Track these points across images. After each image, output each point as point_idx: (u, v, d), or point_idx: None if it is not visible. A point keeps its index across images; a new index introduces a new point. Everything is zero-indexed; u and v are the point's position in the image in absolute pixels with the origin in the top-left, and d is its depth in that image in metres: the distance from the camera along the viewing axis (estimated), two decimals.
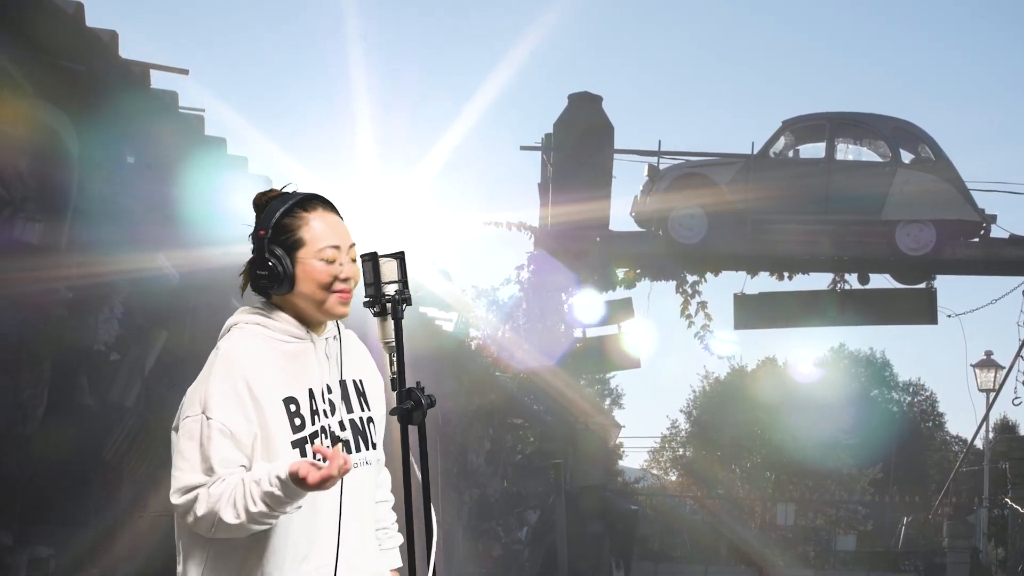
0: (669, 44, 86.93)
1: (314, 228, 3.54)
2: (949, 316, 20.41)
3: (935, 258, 19.18)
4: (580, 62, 72.12)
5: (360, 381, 3.73)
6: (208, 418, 3.35)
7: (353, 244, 3.61)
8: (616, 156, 19.98)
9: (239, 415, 3.37)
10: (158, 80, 8.08)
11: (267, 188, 3.72)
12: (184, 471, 3.35)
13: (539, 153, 20.22)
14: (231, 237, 3.61)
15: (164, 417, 9.25)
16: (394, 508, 3.74)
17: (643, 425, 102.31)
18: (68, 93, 6.95)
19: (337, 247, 3.54)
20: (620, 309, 19.85)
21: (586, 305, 19.10)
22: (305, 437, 3.45)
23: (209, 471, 3.32)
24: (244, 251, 3.60)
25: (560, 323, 19.58)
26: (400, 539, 3.89)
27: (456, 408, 16.01)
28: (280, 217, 3.53)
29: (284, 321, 3.58)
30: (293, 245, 3.51)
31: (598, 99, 20.04)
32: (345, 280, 3.55)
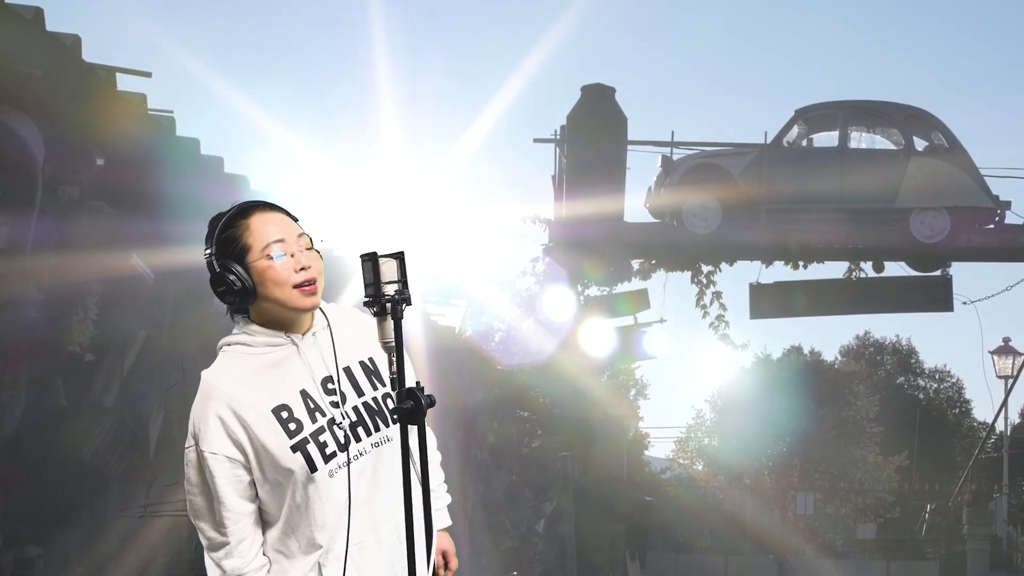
0: (681, 35, 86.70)
1: (254, 230, 3.57)
2: (965, 303, 20.32)
3: (950, 245, 19.02)
4: (592, 54, 71.88)
5: (370, 360, 3.77)
6: (201, 451, 3.48)
7: (302, 234, 3.64)
8: (630, 147, 19.82)
9: (228, 442, 3.48)
10: (143, 85, 8.17)
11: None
12: (195, 495, 3.56)
13: (552, 146, 20.16)
14: (204, 235, 3.65)
15: (144, 417, 9.37)
16: (394, 508, 3.73)
17: (669, 415, 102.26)
18: (32, 97, 7.00)
19: (281, 240, 3.58)
20: (635, 300, 19.83)
21: (559, 302, 19.01)
22: (306, 438, 3.51)
23: (216, 495, 3.49)
24: None
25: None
26: (448, 499, 4.07)
27: (456, 404, 16.00)
28: (221, 232, 3.59)
29: (263, 333, 3.63)
30: (241, 254, 3.56)
31: (611, 91, 19.89)
32: (302, 270, 3.58)
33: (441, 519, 4.00)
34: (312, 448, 3.50)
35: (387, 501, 3.63)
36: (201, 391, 3.54)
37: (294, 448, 3.49)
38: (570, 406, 20.11)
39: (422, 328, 14.41)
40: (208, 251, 3.58)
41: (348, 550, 3.52)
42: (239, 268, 3.53)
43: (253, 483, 3.53)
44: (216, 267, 3.55)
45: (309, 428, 3.52)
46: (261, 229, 3.57)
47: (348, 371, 3.69)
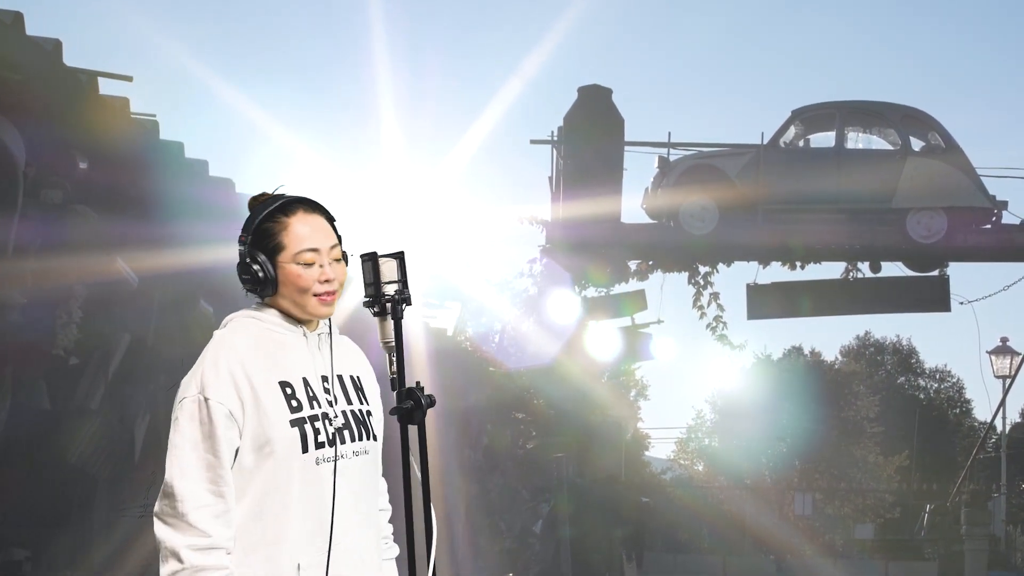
0: (678, 36, 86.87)
1: (293, 232, 3.55)
2: (962, 303, 20.30)
3: (947, 246, 19.06)
4: (590, 55, 71.92)
5: (357, 377, 3.75)
6: (206, 398, 3.38)
7: (336, 244, 3.62)
8: (627, 148, 19.88)
9: (234, 395, 3.40)
10: (127, 89, 8.15)
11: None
12: (185, 450, 3.37)
13: (549, 147, 20.16)
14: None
15: (129, 420, 9.38)
16: (362, 522, 3.71)
17: (670, 416, 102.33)
18: (14, 101, 6.99)
19: (316, 250, 3.55)
20: (633, 301, 19.86)
21: (562, 305, 19.06)
22: (304, 418, 3.47)
23: (212, 450, 3.35)
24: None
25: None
26: (396, 550, 3.91)
27: (451, 406, 15.99)
28: (261, 222, 3.57)
29: (275, 315, 3.60)
30: (274, 249, 3.54)
31: (608, 91, 19.91)
32: (325, 282, 3.56)
33: (388, 570, 3.90)
34: (308, 428, 3.47)
35: (355, 512, 3.60)
36: (213, 345, 3.50)
37: (292, 423, 3.44)
38: (569, 408, 20.11)
39: (419, 330, 14.43)
40: (243, 236, 3.57)
41: (331, 552, 3.47)
42: (266, 261, 3.52)
43: (236, 452, 3.41)
44: (246, 255, 3.55)
45: (308, 411, 3.49)
46: (299, 232, 3.56)
47: (340, 378, 3.68)
